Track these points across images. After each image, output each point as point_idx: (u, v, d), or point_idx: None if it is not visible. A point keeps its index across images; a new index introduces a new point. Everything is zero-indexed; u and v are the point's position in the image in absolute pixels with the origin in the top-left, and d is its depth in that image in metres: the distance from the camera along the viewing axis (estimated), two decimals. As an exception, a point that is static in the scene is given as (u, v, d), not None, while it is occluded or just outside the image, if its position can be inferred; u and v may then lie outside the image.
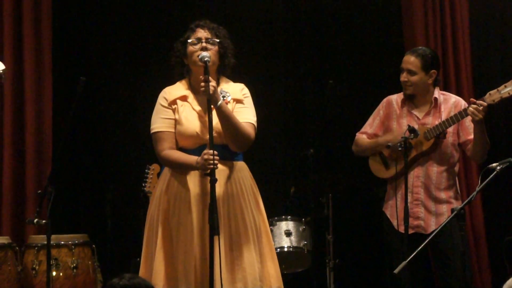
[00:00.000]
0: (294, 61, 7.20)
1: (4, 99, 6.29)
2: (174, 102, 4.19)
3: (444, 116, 4.97)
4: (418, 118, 5.06)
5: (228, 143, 4.11)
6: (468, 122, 4.96)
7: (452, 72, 6.36)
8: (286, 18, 7.24)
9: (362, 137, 5.30)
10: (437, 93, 5.08)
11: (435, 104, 5.05)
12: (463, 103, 5.06)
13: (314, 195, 6.25)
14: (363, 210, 6.75)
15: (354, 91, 7.01)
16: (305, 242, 6.11)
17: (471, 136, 4.94)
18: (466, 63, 6.40)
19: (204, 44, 4.14)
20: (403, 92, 5.11)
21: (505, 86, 4.71)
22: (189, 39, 4.19)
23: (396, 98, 5.20)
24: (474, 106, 4.70)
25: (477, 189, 3.89)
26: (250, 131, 4.14)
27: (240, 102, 4.21)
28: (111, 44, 7.17)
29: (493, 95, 4.73)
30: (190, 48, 4.16)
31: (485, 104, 4.69)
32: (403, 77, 5.03)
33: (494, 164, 3.95)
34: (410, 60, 5.01)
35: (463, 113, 4.83)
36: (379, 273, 6.43)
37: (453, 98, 5.14)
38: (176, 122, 4.15)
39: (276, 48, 7.22)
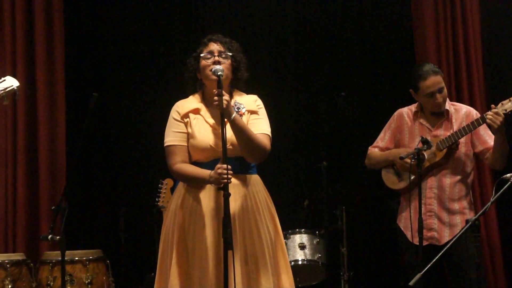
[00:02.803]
0: (306, 74, 7.21)
1: (17, 116, 6.33)
2: (186, 115, 4.18)
3: (455, 127, 4.96)
4: (430, 130, 5.05)
5: (244, 155, 4.09)
6: (482, 131, 4.95)
7: (465, 83, 6.36)
8: (298, 31, 7.27)
9: (374, 151, 5.29)
10: (448, 104, 5.07)
11: (447, 115, 5.04)
12: (474, 113, 5.05)
13: (328, 207, 6.24)
14: (377, 223, 6.74)
15: (366, 103, 7.02)
16: (319, 255, 6.10)
17: (488, 145, 4.93)
18: (479, 74, 6.39)
19: (217, 58, 4.13)
20: (435, 111, 5.06)
21: (517, 96, 4.71)
22: (201, 53, 4.20)
23: (407, 111, 5.19)
24: (491, 113, 4.69)
25: (492, 200, 3.86)
26: (266, 142, 4.13)
27: (254, 113, 4.20)
28: (123, 59, 7.21)
29: (505, 105, 4.72)
30: (203, 62, 4.16)
31: (501, 113, 4.67)
32: (438, 98, 4.94)
33: (508, 175, 3.93)
34: (438, 80, 4.93)
35: (475, 123, 4.82)
36: (393, 286, 6.40)
37: (464, 108, 5.13)
38: (189, 135, 4.15)
39: (288, 61, 7.24)
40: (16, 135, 6.32)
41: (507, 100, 4.73)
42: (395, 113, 5.27)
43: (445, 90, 5.00)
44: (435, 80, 4.94)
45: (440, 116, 5.06)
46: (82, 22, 7.14)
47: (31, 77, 6.41)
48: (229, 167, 3.86)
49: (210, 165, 4.03)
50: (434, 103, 4.98)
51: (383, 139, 5.28)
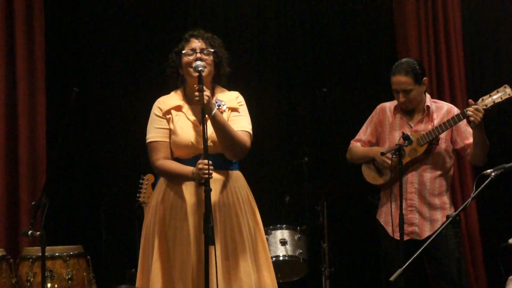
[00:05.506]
0: (287, 69, 7.20)
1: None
2: (168, 112, 4.18)
3: (436, 124, 4.98)
4: (410, 126, 5.06)
5: (224, 152, 4.10)
6: (463, 127, 4.98)
7: (446, 80, 6.37)
8: (279, 27, 7.25)
9: (356, 146, 5.31)
10: (429, 101, 5.09)
11: (428, 112, 5.06)
12: (455, 110, 5.07)
13: (309, 203, 6.23)
14: (358, 218, 6.75)
15: (348, 99, 7.02)
16: (301, 251, 6.10)
17: (469, 141, 4.96)
18: (460, 70, 6.41)
19: (199, 55, 4.13)
20: (403, 108, 5.09)
21: (497, 91, 4.74)
22: (183, 49, 4.18)
23: (389, 106, 5.21)
24: (471, 109, 4.71)
25: (472, 195, 3.88)
26: (246, 139, 4.13)
27: (235, 111, 4.21)
28: (104, 54, 7.17)
29: (485, 100, 4.76)
30: (185, 59, 4.16)
31: (481, 109, 4.70)
32: (401, 98, 4.98)
33: (488, 171, 3.95)
34: (403, 81, 4.96)
35: (455, 119, 4.84)
36: (374, 281, 6.42)
37: (446, 105, 5.16)
38: (171, 132, 4.14)
39: (270, 57, 7.22)
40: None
41: (487, 96, 4.77)
42: (377, 107, 5.29)
43: (414, 93, 4.98)
44: (400, 80, 4.96)
45: (420, 112, 5.08)
46: (63, 16, 7.09)
47: (11, 72, 6.35)
48: (210, 162, 3.86)
49: (191, 161, 4.04)
50: (398, 100, 5.02)
51: (365, 132, 5.30)
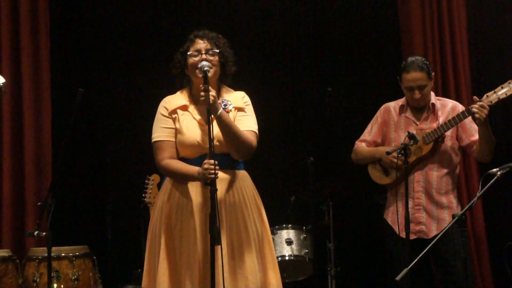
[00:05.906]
0: (293, 69, 7.20)
1: (3, 112, 6.29)
2: (174, 111, 4.18)
3: (441, 121, 4.98)
4: (416, 123, 5.06)
5: (230, 152, 4.09)
6: (468, 123, 4.98)
7: (451, 77, 6.36)
8: (285, 27, 7.25)
9: (361, 146, 5.30)
10: (434, 98, 5.09)
11: (433, 109, 5.05)
12: (460, 107, 5.07)
13: (315, 203, 6.22)
14: (364, 218, 6.74)
15: (353, 99, 7.01)
16: (306, 251, 6.10)
17: (475, 137, 4.96)
18: (465, 68, 6.41)
19: (204, 56, 4.13)
20: (415, 106, 5.08)
21: (502, 87, 4.74)
22: (188, 50, 4.18)
23: (393, 105, 5.21)
24: (476, 106, 4.71)
25: (478, 194, 3.88)
26: (252, 139, 4.13)
27: (241, 110, 4.20)
28: (109, 54, 7.17)
29: (490, 97, 4.76)
30: (191, 60, 4.16)
31: (486, 106, 4.70)
32: (417, 94, 4.97)
33: (494, 170, 3.95)
34: (419, 77, 4.95)
35: (461, 116, 4.85)
36: (380, 281, 6.41)
37: (450, 103, 5.16)
38: (177, 131, 4.14)
39: (275, 57, 7.22)
40: (2, 131, 6.28)
41: (492, 92, 4.77)
42: (382, 107, 5.28)
43: (428, 89, 5.00)
44: (416, 76, 4.95)
45: (425, 110, 5.07)
46: (68, 16, 7.10)
47: (17, 73, 6.37)
48: (216, 162, 3.85)
49: (197, 161, 4.03)
50: (411, 98, 5.02)
51: (370, 132, 5.29)
